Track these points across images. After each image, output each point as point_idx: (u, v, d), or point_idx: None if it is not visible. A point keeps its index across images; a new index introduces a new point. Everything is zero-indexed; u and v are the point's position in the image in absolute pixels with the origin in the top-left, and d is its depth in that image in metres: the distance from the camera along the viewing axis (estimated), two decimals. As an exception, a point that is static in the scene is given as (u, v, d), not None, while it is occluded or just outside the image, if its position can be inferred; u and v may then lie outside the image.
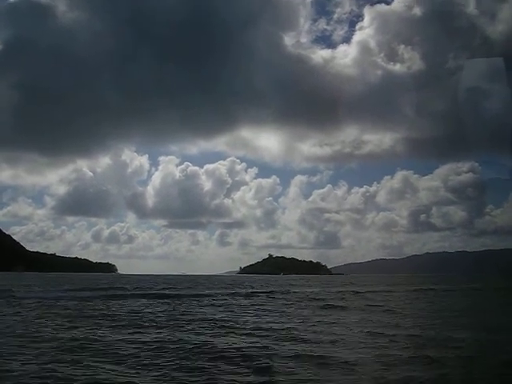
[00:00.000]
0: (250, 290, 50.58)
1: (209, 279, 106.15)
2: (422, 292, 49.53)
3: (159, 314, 24.11)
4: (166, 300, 34.66)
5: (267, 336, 16.59)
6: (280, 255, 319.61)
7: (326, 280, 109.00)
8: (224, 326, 19.21)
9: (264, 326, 19.52)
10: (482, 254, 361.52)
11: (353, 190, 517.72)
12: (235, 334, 17.30)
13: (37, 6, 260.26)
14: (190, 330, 18.36)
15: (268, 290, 51.82)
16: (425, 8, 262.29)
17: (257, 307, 29.09)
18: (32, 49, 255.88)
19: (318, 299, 37.15)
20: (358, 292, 48.53)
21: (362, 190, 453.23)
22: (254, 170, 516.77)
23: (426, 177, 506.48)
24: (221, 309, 28.08)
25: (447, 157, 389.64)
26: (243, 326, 19.33)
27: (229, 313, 25.34)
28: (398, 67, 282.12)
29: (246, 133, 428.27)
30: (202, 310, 26.96)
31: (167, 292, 44.65)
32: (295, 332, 17.62)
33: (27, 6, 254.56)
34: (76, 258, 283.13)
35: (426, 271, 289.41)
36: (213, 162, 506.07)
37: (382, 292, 49.28)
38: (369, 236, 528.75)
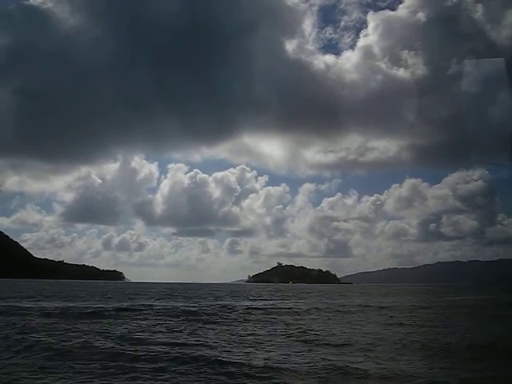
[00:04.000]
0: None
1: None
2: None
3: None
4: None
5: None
6: (290, 264, 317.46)
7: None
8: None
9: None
10: (495, 263, 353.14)
11: (363, 199, 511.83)
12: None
13: (37, 11, 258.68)
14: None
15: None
16: (429, 13, 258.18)
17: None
18: (34, 55, 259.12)
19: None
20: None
21: (372, 198, 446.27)
22: (264, 178, 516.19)
23: (435, 186, 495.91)
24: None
25: (455, 164, 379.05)
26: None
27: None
28: (401, 72, 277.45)
29: (249, 140, 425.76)
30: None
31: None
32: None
33: (27, 12, 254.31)
34: (83, 265, 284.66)
35: (438, 281, 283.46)
36: (217, 170, 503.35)
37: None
38: (379, 245, 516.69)
